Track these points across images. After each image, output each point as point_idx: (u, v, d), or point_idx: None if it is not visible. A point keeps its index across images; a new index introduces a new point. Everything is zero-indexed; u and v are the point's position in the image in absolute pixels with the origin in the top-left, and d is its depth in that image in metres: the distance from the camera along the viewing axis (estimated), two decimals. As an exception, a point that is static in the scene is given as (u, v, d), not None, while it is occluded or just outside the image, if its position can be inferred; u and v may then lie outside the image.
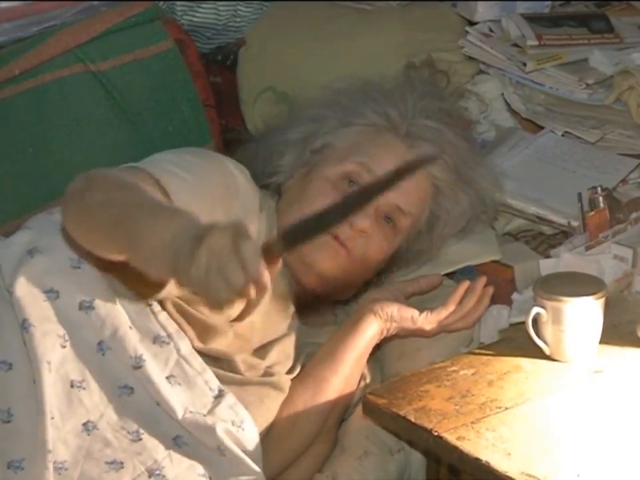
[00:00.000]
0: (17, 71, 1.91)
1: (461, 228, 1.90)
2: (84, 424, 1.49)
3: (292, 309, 1.79)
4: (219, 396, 1.58)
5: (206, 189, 1.62)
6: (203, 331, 1.62)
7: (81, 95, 1.99)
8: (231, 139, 2.07)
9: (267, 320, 1.73)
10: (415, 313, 1.75)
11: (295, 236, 1.30)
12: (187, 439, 1.53)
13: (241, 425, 1.57)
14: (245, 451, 1.55)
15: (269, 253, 1.28)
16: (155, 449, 1.51)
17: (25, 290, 1.54)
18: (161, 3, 2.29)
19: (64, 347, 1.52)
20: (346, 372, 1.71)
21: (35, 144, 1.93)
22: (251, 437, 1.58)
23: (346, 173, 1.78)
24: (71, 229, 1.50)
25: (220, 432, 1.51)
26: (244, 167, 1.74)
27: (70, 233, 1.50)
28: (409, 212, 1.81)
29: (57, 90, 1.96)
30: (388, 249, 1.82)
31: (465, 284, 1.77)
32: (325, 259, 1.75)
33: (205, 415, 1.53)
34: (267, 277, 1.26)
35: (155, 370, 1.52)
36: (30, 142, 1.93)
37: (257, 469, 1.52)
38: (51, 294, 1.54)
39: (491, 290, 1.79)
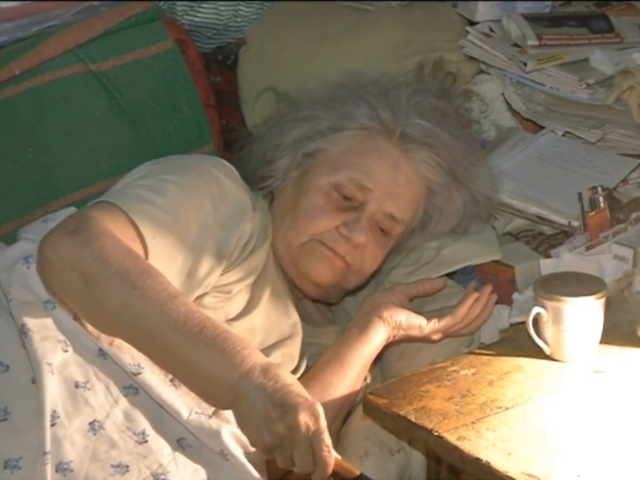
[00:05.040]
0: (17, 71, 1.91)
1: (454, 225, 1.90)
2: (90, 423, 1.49)
3: (294, 310, 1.79)
4: None
5: (184, 213, 1.60)
6: None
7: (81, 94, 1.99)
8: (231, 139, 2.06)
9: (268, 322, 1.73)
10: (423, 321, 1.75)
11: None
12: (191, 440, 1.52)
13: None
14: (248, 454, 1.55)
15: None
16: (160, 451, 1.49)
17: (22, 298, 1.54)
18: (162, 2, 2.29)
19: (66, 351, 1.51)
20: (353, 378, 1.71)
21: (35, 144, 1.93)
22: None
23: (337, 185, 1.77)
24: (69, 304, 1.50)
25: (225, 436, 1.50)
26: (232, 168, 1.73)
27: (64, 301, 1.51)
28: (403, 219, 1.81)
29: (57, 90, 1.96)
30: (383, 256, 1.83)
31: (474, 295, 1.78)
32: (323, 271, 1.77)
33: (210, 417, 1.53)
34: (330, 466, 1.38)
35: (155, 376, 1.50)
36: (30, 142, 1.93)
37: (256, 475, 1.51)
38: (49, 304, 1.53)
39: (494, 297, 1.79)
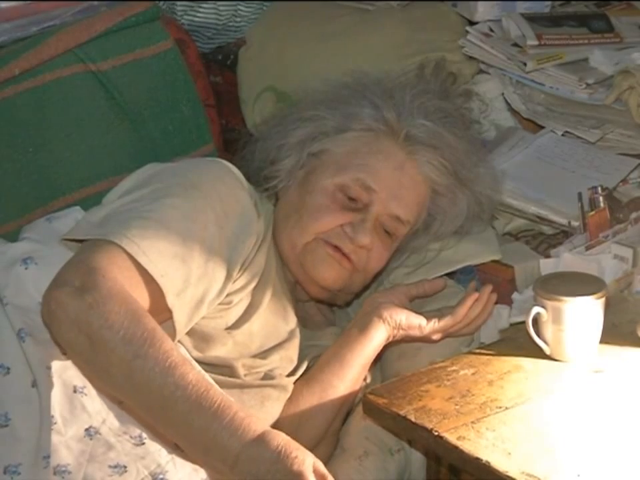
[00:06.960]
0: (17, 71, 1.91)
1: (457, 226, 1.90)
2: (86, 429, 1.48)
3: (292, 315, 1.78)
4: None
5: (190, 241, 1.57)
6: (201, 340, 1.61)
7: (81, 94, 1.99)
8: (231, 139, 2.06)
9: (266, 326, 1.72)
10: (423, 321, 1.75)
11: None
12: None
13: None
14: None
15: None
16: (158, 452, 1.50)
17: (18, 303, 1.54)
18: (162, 2, 2.29)
19: (64, 353, 1.51)
20: (352, 378, 1.71)
21: (35, 144, 1.93)
22: None
23: (342, 186, 1.76)
24: (75, 360, 1.50)
25: None
26: (236, 172, 1.70)
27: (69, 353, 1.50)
28: (407, 221, 1.81)
29: (57, 90, 1.96)
30: (388, 257, 1.83)
31: (474, 295, 1.78)
32: (329, 272, 1.76)
33: None
34: None
35: None
36: (30, 142, 1.93)
37: None
38: None
39: (494, 297, 1.79)
